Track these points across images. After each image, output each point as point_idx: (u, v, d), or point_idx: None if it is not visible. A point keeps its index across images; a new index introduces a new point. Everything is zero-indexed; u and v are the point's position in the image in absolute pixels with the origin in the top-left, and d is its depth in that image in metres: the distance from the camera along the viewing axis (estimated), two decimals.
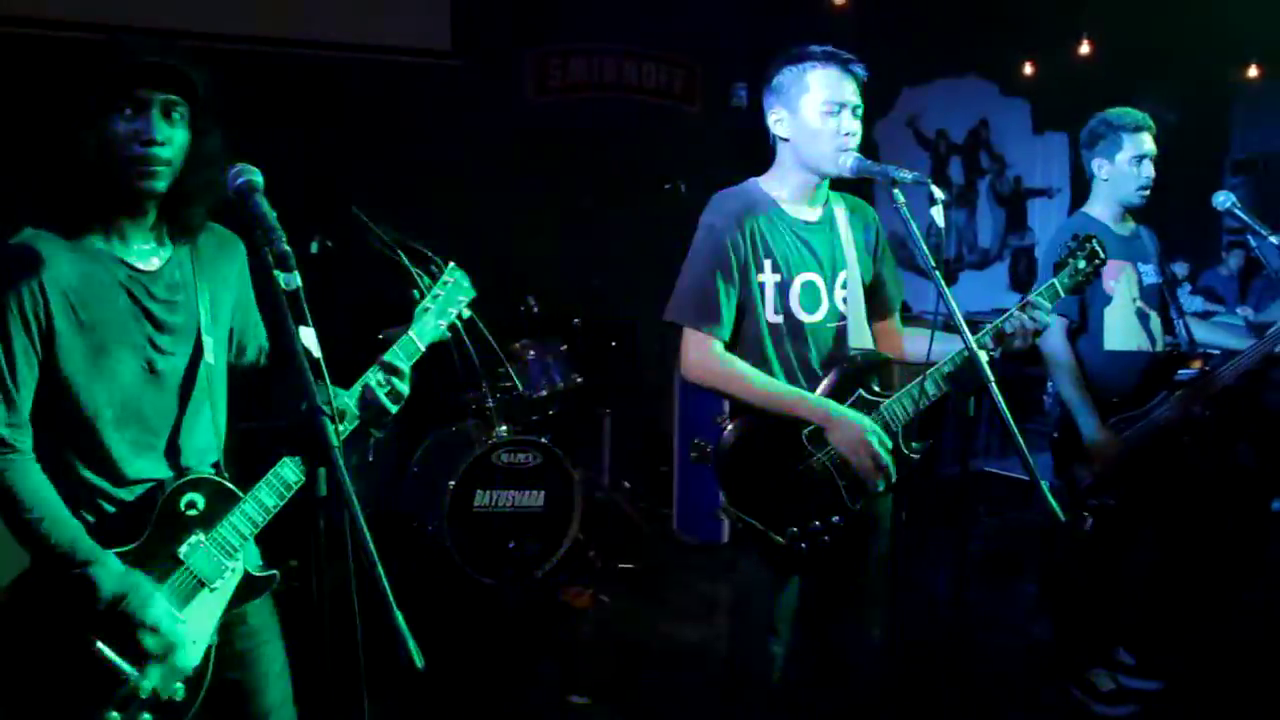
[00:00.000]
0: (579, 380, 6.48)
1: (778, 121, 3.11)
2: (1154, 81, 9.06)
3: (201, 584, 2.39)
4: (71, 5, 6.63)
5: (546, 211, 7.77)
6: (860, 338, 3.19)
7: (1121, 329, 4.17)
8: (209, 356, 2.46)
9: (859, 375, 3.07)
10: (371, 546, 1.85)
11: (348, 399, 2.52)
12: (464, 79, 7.86)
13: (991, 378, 2.65)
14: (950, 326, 2.83)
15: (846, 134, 3.01)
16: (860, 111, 3.05)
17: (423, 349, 2.69)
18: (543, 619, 5.51)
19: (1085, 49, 9.73)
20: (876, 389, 3.07)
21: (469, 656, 4.92)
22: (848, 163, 2.99)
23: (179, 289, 2.42)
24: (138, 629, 2.27)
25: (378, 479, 6.31)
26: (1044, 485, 2.60)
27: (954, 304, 2.75)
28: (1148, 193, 4.19)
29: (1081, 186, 11.17)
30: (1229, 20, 8.08)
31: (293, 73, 7.16)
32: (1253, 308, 8.40)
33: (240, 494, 2.45)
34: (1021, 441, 2.58)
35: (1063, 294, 3.16)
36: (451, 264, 2.84)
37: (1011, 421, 2.58)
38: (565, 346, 6.52)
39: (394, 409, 2.56)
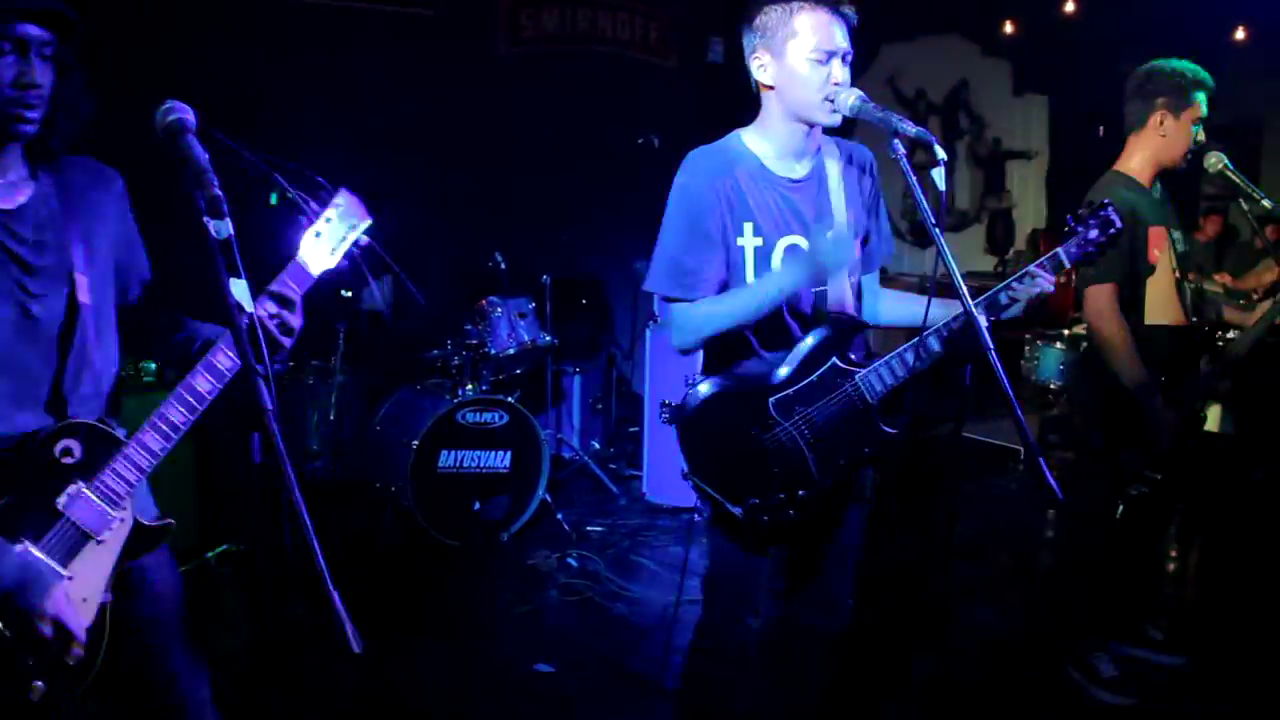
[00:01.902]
0: (549, 339, 6.35)
1: (761, 67, 2.87)
2: (1139, 44, 8.95)
3: (87, 537, 2.22)
4: None
5: (516, 166, 7.61)
6: (841, 300, 2.98)
7: (1162, 301, 3.91)
8: (84, 296, 2.29)
9: (833, 342, 2.89)
10: (307, 518, 1.70)
11: None
12: (434, 29, 7.67)
13: (992, 346, 2.44)
14: (941, 289, 2.68)
15: (836, 83, 2.78)
16: (850, 58, 2.83)
17: (314, 277, 2.46)
18: (508, 583, 5.39)
19: (1070, 7, 9.60)
20: (852, 358, 2.90)
21: (431, 622, 4.83)
22: (849, 100, 2.73)
23: (46, 228, 2.27)
24: (38, 621, 2.12)
25: (339, 438, 6.19)
26: (1043, 461, 2.41)
27: (955, 267, 2.51)
28: (1191, 158, 3.94)
29: (1061, 149, 11.10)
30: None
31: (258, 16, 6.96)
32: (1230, 274, 8.34)
33: (123, 439, 2.27)
34: (1022, 416, 2.41)
35: (1067, 264, 2.90)
36: (342, 189, 2.55)
37: (1013, 394, 2.40)
38: (533, 304, 6.38)
39: (286, 343, 2.39)
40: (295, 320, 2.40)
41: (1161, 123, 3.90)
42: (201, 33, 6.61)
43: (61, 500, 2.20)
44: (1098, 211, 2.90)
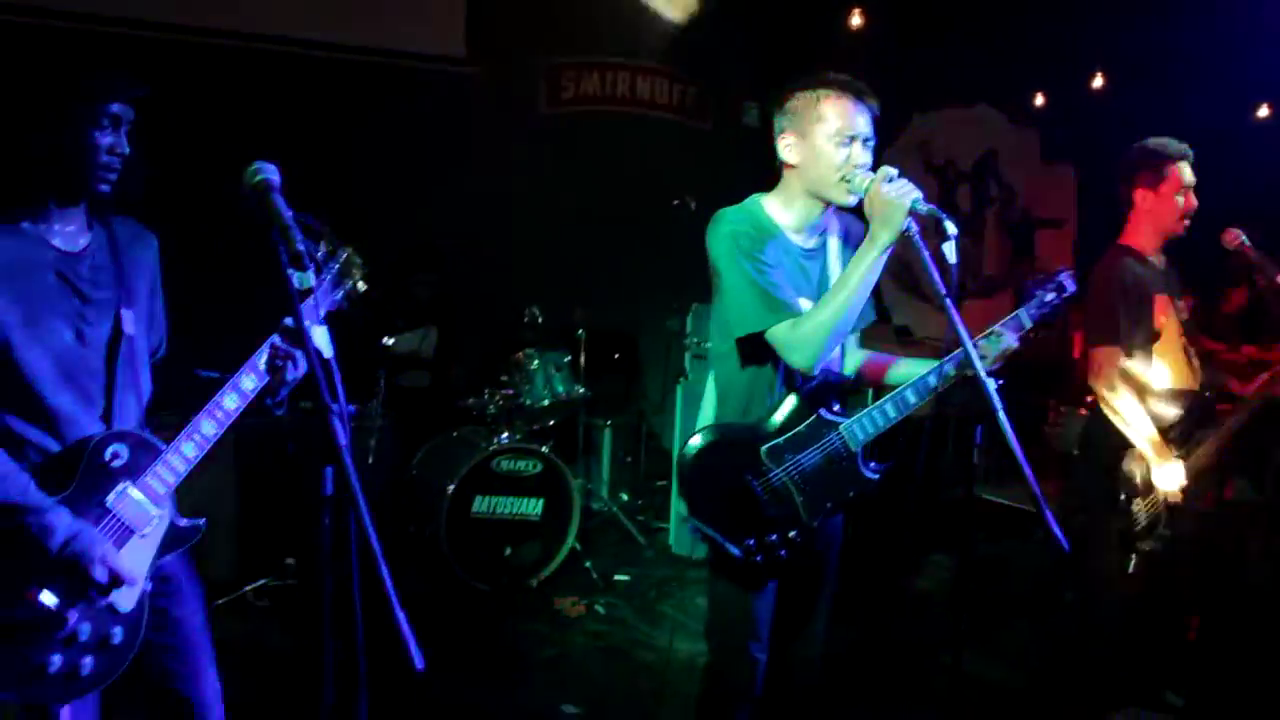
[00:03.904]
0: (582, 391, 6.50)
1: (787, 146, 3.07)
2: (1165, 118, 9.08)
3: (131, 531, 2.56)
4: None
5: (555, 223, 7.79)
6: (830, 362, 3.18)
7: (1171, 367, 4.12)
8: (128, 328, 2.66)
9: (821, 395, 3.09)
10: (377, 547, 1.87)
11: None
12: (477, 87, 7.88)
13: (1000, 406, 2.59)
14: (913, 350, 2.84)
15: (857, 165, 2.97)
16: (872, 145, 3.02)
17: (322, 315, 2.71)
18: (537, 627, 5.52)
19: (1098, 82, 9.76)
20: (836, 409, 3.10)
21: (462, 662, 4.93)
22: (864, 183, 2.91)
23: (101, 269, 2.64)
24: (89, 565, 2.42)
25: (377, 481, 6.34)
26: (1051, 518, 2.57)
27: (966, 335, 2.69)
28: (1188, 223, 4.13)
29: (1088, 217, 11.18)
30: (1242, 60, 8.10)
31: (303, 74, 7.19)
32: (1257, 346, 8.37)
33: (162, 446, 2.62)
34: (1030, 472, 2.55)
35: (1028, 325, 3.16)
36: (342, 243, 2.87)
37: (1021, 451, 2.53)
38: (569, 358, 6.54)
39: (290, 378, 2.71)
40: (304, 362, 2.67)
41: (1145, 199, 4.14)
42: (244, 90, 6.85)
43: (110, 498, 2.54)
44: (1054, 277, 3.20)
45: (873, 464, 3.12)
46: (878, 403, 3.06)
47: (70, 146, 2.52)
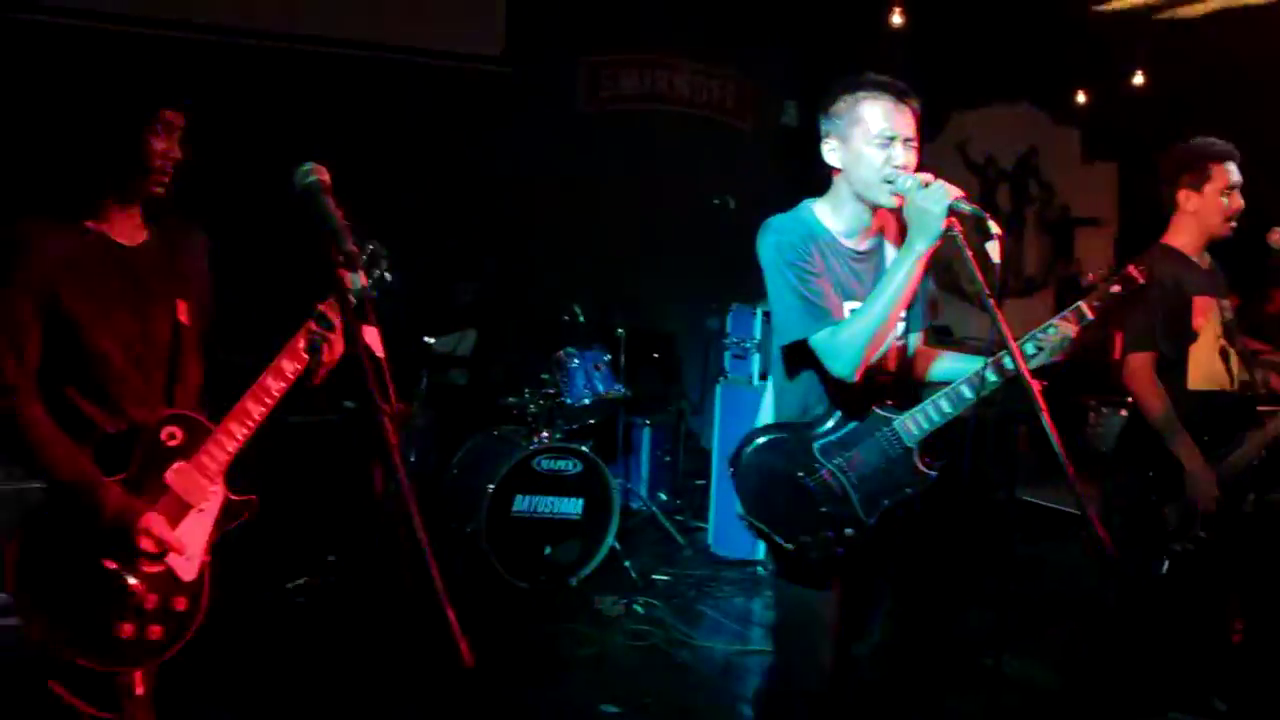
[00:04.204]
0: (622, 390, 6.51)
1: (831, 151, 3.07)
2: (1209, 115, 9.00)
3: (188, 505, 2.75)
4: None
5: (593, 222, 7.81)
6: (884, 355, 3.13)
7: (1205, 368, 4.07)
8: (184, 318, 2.86)
9: (874, 393, 3.08)
10: (426, 546, 1.89)
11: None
12: (515, 86, 7.91)
13: (1044, 407, 2.58)
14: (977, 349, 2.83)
15: (898, 165, 2.96)
16: (913, 144, 3.01)
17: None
18: (576, 626, 5.54)
19: (1139, 80, 9.68)
20: (890, 404, 3.08)
21: (502, 661, 4.93)
22: (906, 184, 2.90)
23: (159, 264, 2.83)
24: (139, 536, 2.62)
25: (418, 479, 6.37)
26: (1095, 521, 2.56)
27: (1009, 334, 2.70)
28: (1235, 224, 4.08)
29: (1131, 217, 11.09)
30: None
31: (342, 74, 7.24)
32: None
33: (212, 427, 2.80)
34: (1072, 475, 2.54)
35: (1089, 317, 3.10)
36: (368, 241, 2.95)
37: (1063, 454, 2.53)
38: (609, 357, 6.56)
39: (326, 360, 2.90)
40: (338, 345, 2.89)
41: (1188, 200, 4.08)
42: (283, 90, 6.90)
43: (169, 475, 2.74)
44: (1120, 270, 3.17)
45: (928, 460, 3.08)
46: (932, 398, 3.04)
47: (125, 152, 2.68)
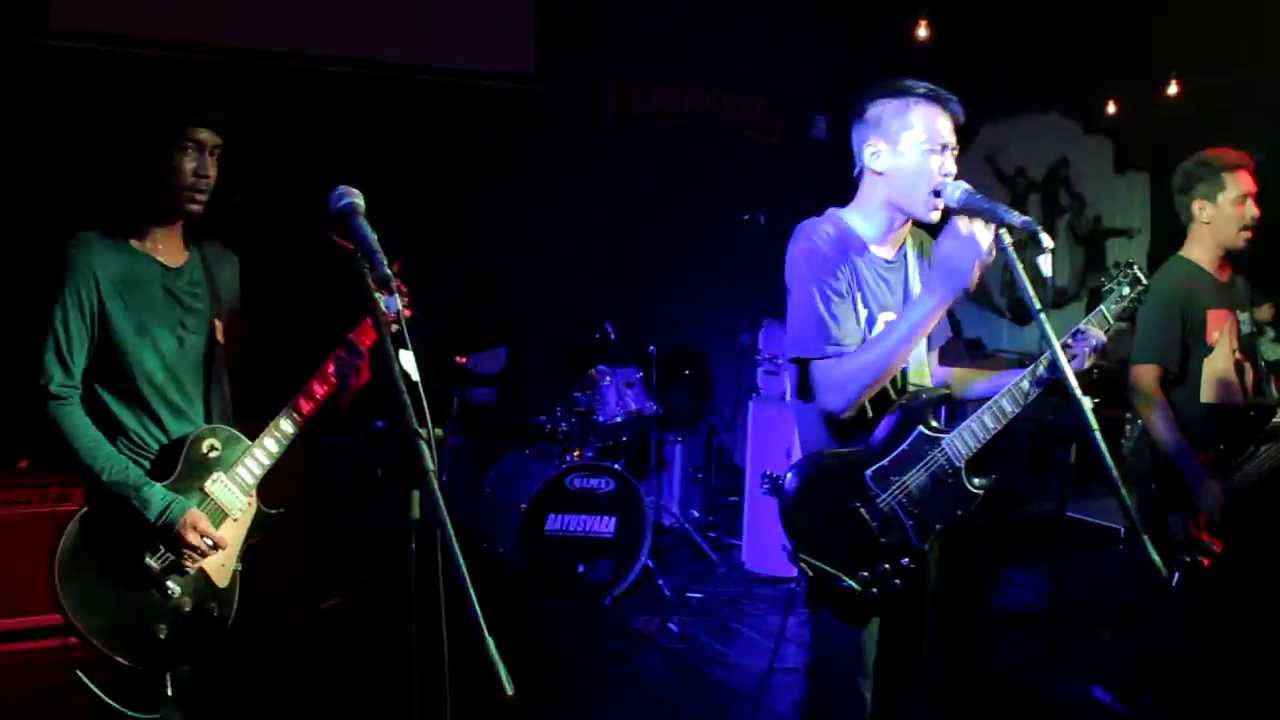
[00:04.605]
0: (654, 408, 6.49)
1: (874, 155, 2.98)
2: (1241, 124, 8.94)
3: (225, 514, 2.92)
4: (156, 24, 6.75)
5: (624, 239, 7.81)
6: (920, 376, 3.13)
7: (1220, 381, 4.04)
8: (220, 336, 3.02)
9: (920, 411, 2.98)
10: (465, 571, 1.87)
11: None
12: (546, 105, 7.93)
13: (1095, 426, 2.52)
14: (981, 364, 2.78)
15: (946, 174, 2.90)
16: (956, 154, 2.96)
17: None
18: (610, 645, 5.50)
19: (1173, 89, 9.62)
20: (935, 424, 2.98)
21: (536, 681, 4.93)
22: (955, 193, 2.84)
23: (198, 284, 3.00)
24: (184, 530, 2.76)
25: (450, 498, 6.37)
26: (1146, 539, 2.53)
27: (1060, 351, 2.66)
28: (1250, 234, 4.07)
29: (1162, 228, 11.03)
30: None
31: (375, 95, 7.28)
32: None
33: (249, 441, 2.99)
34: (1124, 492, 2.49)
35: (1111, 321, 3.08)
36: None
37: (1114, 471, 2.47)
38: (640, 374, 6.54)
39: (353, 386, 3.07)
40: (363, 370, 3.06)
41: (1203, 211, 4.10)
42: (317, 112, 6.94)
43: (208, 484, 2.91)
44: (1125, 269, 3.14)
45: (976, 480, 2.98)
46: (975, 414, 2.95)
47: (156, 171, 2.81)
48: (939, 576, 3.25)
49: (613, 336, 6.59)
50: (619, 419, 6.28)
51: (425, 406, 2.07)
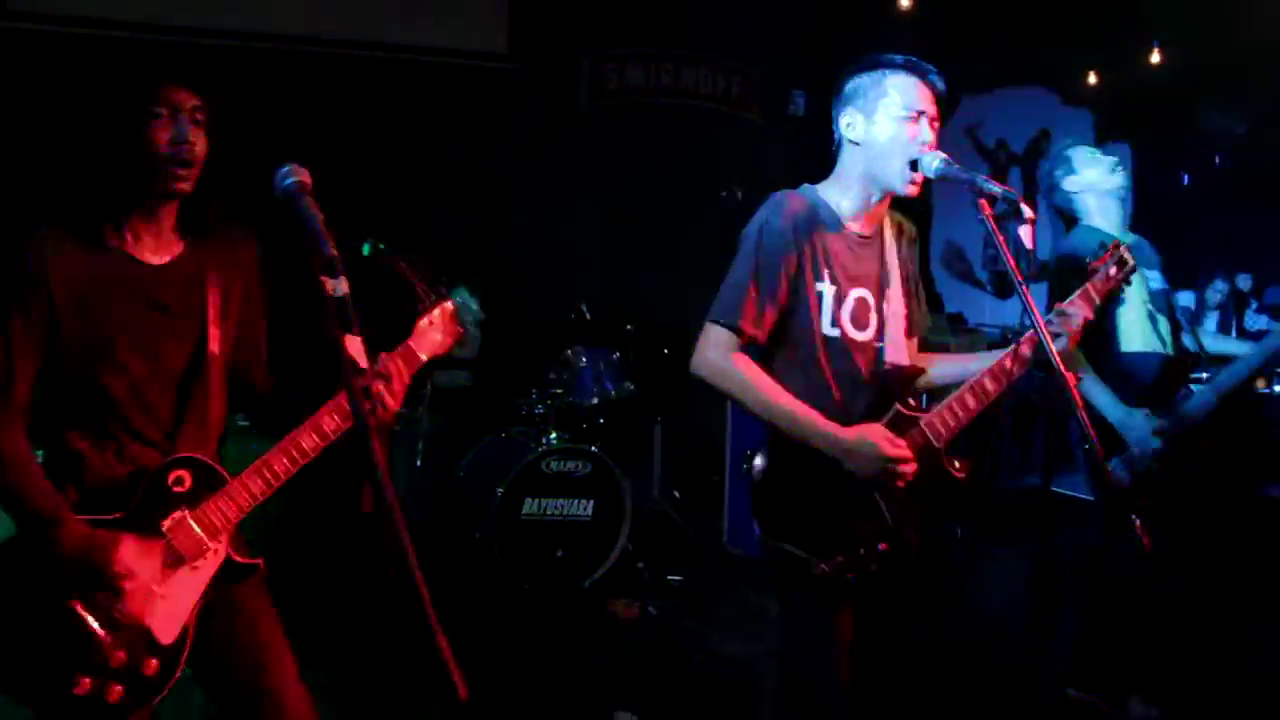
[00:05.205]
0: (631, 388, 6.42)
1: (849, 125, 2.93)
2: (1221, 92, 8.91)
3: (181, 559, 2.43)
4: (113, 4, 6.64)
5: (600, 218, 7.72)
6: (898, 356, 3.03)
7: (1136, 330, 4.11)
8: (214, 347, 2.55)
9: (895, 390, 2.91)
10: (416, 567, 1.77)
11: None
12: (520, 83, 7.83)
13: (1079, 401, 2.52)
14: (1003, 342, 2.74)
15: (923, 143, 2.85)
16: (937, 125, 2.90)
17: (422, 360, 2.71)
18: (589, 630, 5.45)
19: (1155, 58, 9.55)
20: (913, 403, 2.91)
21: (514, 666, 4.86)
22: (934, 163, 2.80)
23: (190, 283, 2.53)
24: (110, 578, 2.32)
25: (426, 483, 6.29)
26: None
27: (1041, 322, 2.63)
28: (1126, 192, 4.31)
29: (1145, 198, 11.04)
30: None
31: (344, 73, 7.17)
32: None
33: (228, 478, 2.50)
34: (1104, 464, 2.46)
35: (1096, 300, 3.06)
36: (459, 284, 2.82)
37: (1097, 443, 2.49)
38: (617, 354, 6.47)
39: (381, 414, 2.57)
40: (393, 396, 2.55)
41: (1086, 198, 4.34)
42: (286, 92, 6.83)
43: (166, 523, 2.43)
44: (1113, 250, 3.14)
45: (956, 462, 2.91)
46: (954, 394, 2.90)
47: (126, 144, 2.39)
48: (923, 561, 3.15)
49: (588, 317, 6.50)
50: (595, 400, 6.22)
51: (374, 395, 1.98)
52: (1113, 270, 3.12)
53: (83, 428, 2.43)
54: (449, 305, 2.80)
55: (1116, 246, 3.14)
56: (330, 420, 2.51)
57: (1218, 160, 9.64)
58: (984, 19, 9.01)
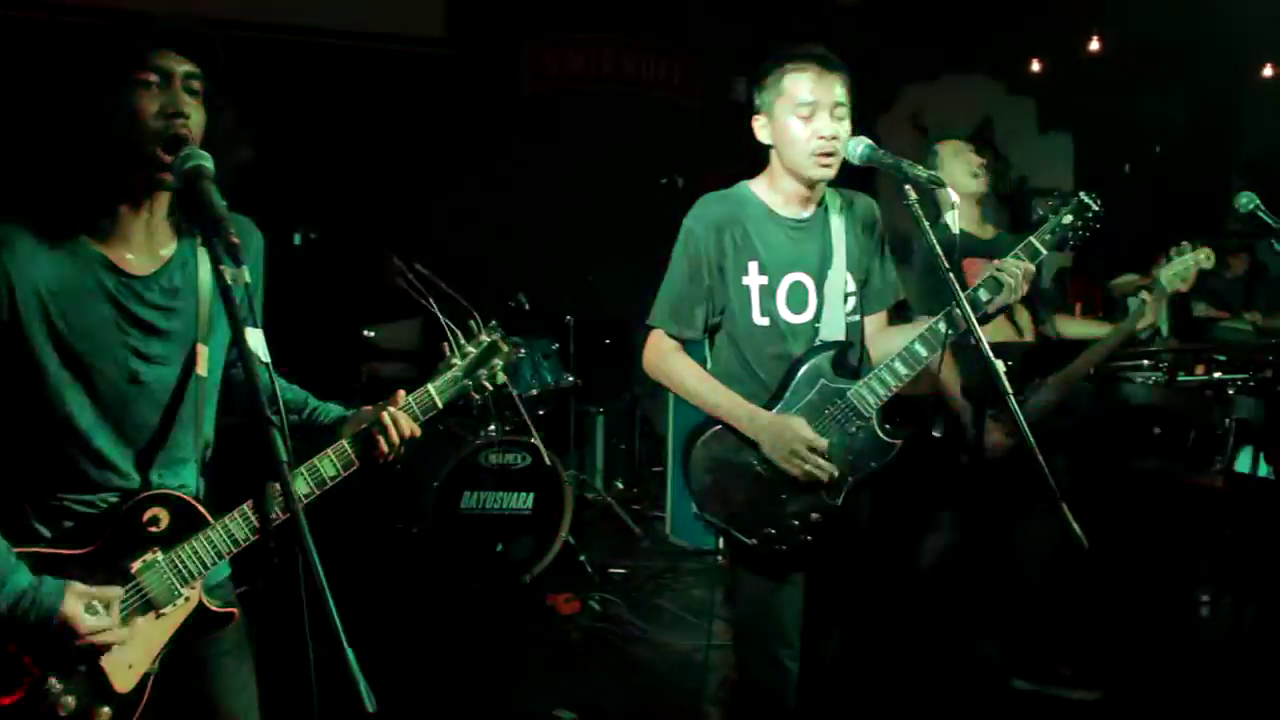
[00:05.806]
0: (572, 380, 6.34)
1: (760, 127, 3.06)
2: (1161, 81, 8.95)
3: (150, 605, 2.16)
4: None
5: (540, 206, 7.63)
6: (835, 334, 3.08)
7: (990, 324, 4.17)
8: (201, 369, 2.23)
9: (819, 366, 2.98)
10: (322, 575, 1.66)
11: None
12: (458, 69, 7.71)
13: (1010, 390, 2.57)
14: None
15: (823, 136, 2.90)
16: (844, 111, 2.95)
17: (440, 406, 2.57)
18: (530, 625, 5.35)
19: (1095, 45, 9.57)
20: (840, 376, 2.99)
21: (452, 665, 4.78)
22: (858, 150, 2.88)
23: (179, 294, 2.21)
24: (57, 630, 2.03)
25: (362, 477, 6.16)
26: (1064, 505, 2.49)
27: (966, 304, 2.69)
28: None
29: (1087, 185, 11.07)
30: (1243, 19, 7.92)
31: (280, 59, 7.01)
32: (1260, 312, 8.24)
33: (210, 519, 2.22)
34: (1039, 454, 2.48)
35: (1043, 251, 3.05)
36: (493, 323, 2.67)
37: (1028, 431, 2.50)
38: (557, 345, 6.41)
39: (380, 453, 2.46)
40: (393, 437, 2.44)
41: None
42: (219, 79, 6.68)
43: (136, 565, 2.16)
44: (1069, 199, 3.20)
45: (888, 428, 2.99)
46: (886, 361, 2.95)
47: (106, 120, 2.03)
48: (867, 532, 3.24)
49: (527, 307, 6.41)
50: (535, 391, 6.14)
51: (277, 390, 1.86)
52: (1068, 219, 3.16)
53: (48, 457, 2.13)
54: (485, 339, 2.66)
55: (1075, 194, 3.19)
56: (329, 466, 2.36)
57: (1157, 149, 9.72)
58: (927, 6, 9.00)
